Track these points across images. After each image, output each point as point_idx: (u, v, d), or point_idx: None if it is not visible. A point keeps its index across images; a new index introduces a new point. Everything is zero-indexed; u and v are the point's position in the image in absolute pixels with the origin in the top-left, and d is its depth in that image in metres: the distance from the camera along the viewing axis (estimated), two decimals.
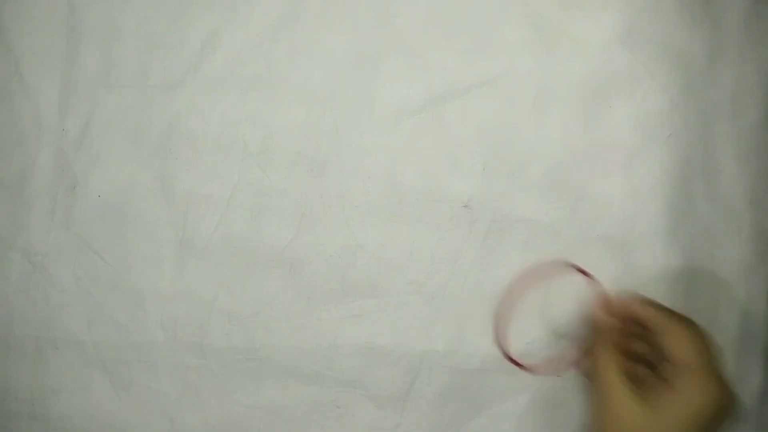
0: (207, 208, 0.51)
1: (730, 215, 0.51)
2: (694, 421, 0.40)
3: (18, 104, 0.51)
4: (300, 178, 0.51)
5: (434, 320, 0.50)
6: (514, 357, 0.49)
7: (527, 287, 0.49)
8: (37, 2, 0.51)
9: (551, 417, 0.47)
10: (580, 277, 0.49)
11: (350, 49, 0.51)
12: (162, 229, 0.51)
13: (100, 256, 0.50)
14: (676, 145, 0.51)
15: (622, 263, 0.50)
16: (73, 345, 0.50)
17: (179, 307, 0.50)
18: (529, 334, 0.50)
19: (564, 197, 0.50)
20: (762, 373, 0.51)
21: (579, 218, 0.50)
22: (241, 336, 0.48)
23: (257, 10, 0.51)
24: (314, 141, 0.50)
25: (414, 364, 0.50)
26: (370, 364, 0.50)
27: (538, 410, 0.50)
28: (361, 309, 0.50)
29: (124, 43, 0.51)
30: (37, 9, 0.51)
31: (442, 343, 0.50)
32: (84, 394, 0.50)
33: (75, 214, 0.50)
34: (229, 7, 0.51)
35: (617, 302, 0.46)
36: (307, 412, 0.49)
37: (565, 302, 0.49)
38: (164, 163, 0.51)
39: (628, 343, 0.46)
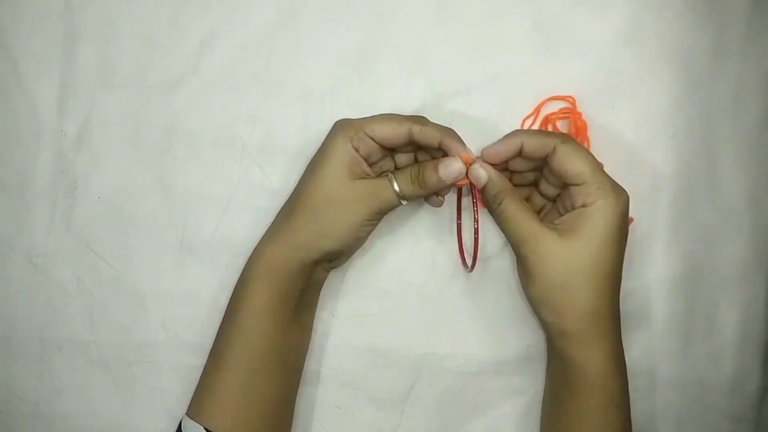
0: (207, 208, 0.51)
1: (730, 215, 0.51)
2: (614, 231, 0.41)
3: (17, 105, 0.50)
4: (299, 177, 0.50)
5: (434, 323, 0.50)
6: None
7: None
8: (35, 3, 0.50)
9: None
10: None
11: (350, 48, 0.50)
12: (162, 230, 0.51)
13: (101, 257, 0.51)
14: (678, 145, 0.50)
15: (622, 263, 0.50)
16: (76, 345, 0.51)
17: (180, 307, 0.51)
18: (532, 338, 0.50)
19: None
20: (762, 373, 0.51)
21: None
22: None
23: (256, 9, 0.50)
24: (314, 140, 0.50)
25: (414, 366, 0.50)
26: (370, 366, 0.50)
27: (537, 412, 0.50)
28: (361, 310, 0.50)
29: (122, 43, 0.50)
30: (34, 9, 0.50)
31: (442, 345, 0.50)
32: (87, 394, 0.51)
33: (75, 215, 0.50)
34: (227, 7, 0.50)
35: (500, 149, 0.45)
36: (307, 412, 0.49)
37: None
38: (164, 163, 0.51)
39: (524, 183, 0.47)
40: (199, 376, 0.48)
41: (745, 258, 0.51)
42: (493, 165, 0.45)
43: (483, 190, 0.45)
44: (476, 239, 0.47)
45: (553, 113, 0.49)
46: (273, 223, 0.46)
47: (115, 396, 0.50)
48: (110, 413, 0.50)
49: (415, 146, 0.46)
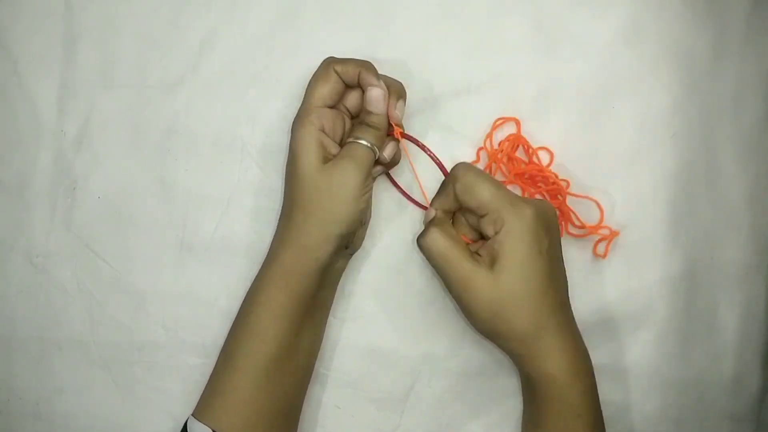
0: (207, 208, 0.51)
1: (731, 215, 0.51)
2: (530, 249, 0.41)
3: (17, 106, 0.50)
4: None
5: (434, 323, 0.50)
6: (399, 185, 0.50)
7: None
8: (35, 3, 0.50)
9: None
10: None
11: (350, 48, 0.50)
12: (162, 230, 0.51)
13: (101, 257, 0.50)
14: (678, 146, 0.50)
15: (623, 263, 0.50)
16: (76, 345, 0.50)
17: (180, 307, 0.51)
18: None
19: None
20: (762, 373, 0.51)
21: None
22: None
23: (255, 9, 0.50)
24: None
25: (414, 366, 0.50)
26: (370, 366, 0.50)
27: None
28: (362, 311, 0.50)
29: (122, 43, 0.50)
30: (34, 9, 0.50)
31: (442, 345, 0.50)
32: (87, 394, 0.50)
33: (75, 216, 0.50)
34: (227, 7, 0.50)
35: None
36: (307, 412, 0.49)
37: None
38: (164, 164, 0.51)
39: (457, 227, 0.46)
40: (199, 376, 0.48)
41: (745, 258, 0.51)
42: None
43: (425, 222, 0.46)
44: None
45: (502, 141, 0.50)
46: (278, 228, 0.46)
47: (115, 396, 0.50)
48: (110, 413, 0.50)
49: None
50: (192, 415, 0.44)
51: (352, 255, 0.48)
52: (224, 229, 0.51)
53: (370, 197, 0.46)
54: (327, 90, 0.45)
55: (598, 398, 0.44)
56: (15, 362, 0.50)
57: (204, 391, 0.45)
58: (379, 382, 0.50)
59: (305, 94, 0.45)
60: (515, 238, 0.41)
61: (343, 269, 0.48)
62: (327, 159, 0.44)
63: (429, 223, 0.44)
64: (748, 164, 0.51)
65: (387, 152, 0.47)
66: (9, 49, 0.50)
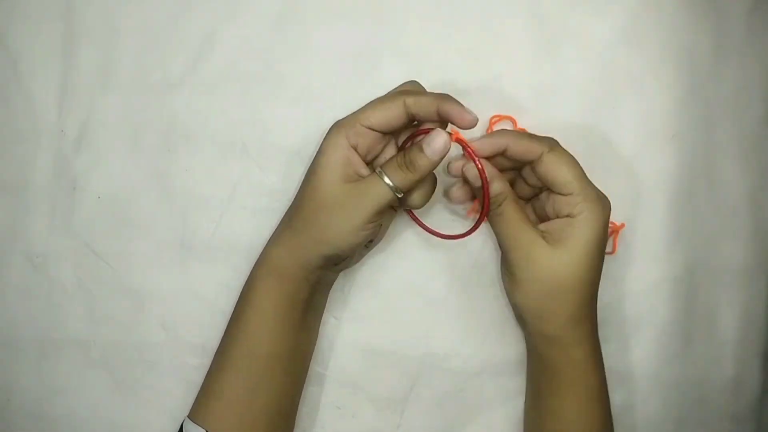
0: (207, 208, 0.51)
1: (731, 215, 0.51)
2: (599, 242, 0.42)
3: (16, 106, 0.50)
4: (299, 177, 0.50)
5: (434, 323, 0.50)
6: (423, 223, 0.48)
7: None
8: (35, 3, 0.50)
9: None
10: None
11: (349, 48, 0.50)
12: (162, 230, 0.51)
13: (101, 257, 0.50)
14: (679, 146, 0.50)
15: (623, 263, 0.50)
16: (76, 345, 0.50)
17: (180, 307, 0.51)
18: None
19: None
20: (762, 373, 0.51)
21: None
22: None
23: (255, 9, 0.50)
24: (313, 140, 0.50)
25: (414, 366, 0.50)
26: (370, 366, 0.50)
27: None
28: (361, 311, 0.50)
29: (122, 43, 0.50)
30: (34, 9, 0.50)
31: (442, 346, 0.50)
32: (87, 394, 0.50)
33: (75, 216, 0.50)
34: (227, 7, 0.50)
35: (484, 145, 0.43)
36: (307, 412, 0.49)
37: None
38: (164, 164, 0.51)
39: (516, 188, 0.46)
40: (199, 376, 0.48)
41: (745, 258, 0.51)
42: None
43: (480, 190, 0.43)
44: (485, 188, 0.42)
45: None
46: (278, 225, 0.46)
47: (115, 396, 0.50)
48: (110, 413, 0.50)
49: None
50: (188, 416, 0.44)
51: (341, 270, 0.48)
52: (224, 229, 0.51)
53: (377, 230, 0.44)
54: (381, 115, 0.42)
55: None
56: (15, 362, 0.50)
57: (199, 392, 0.45)
58: (379, 382, 0.50)
59: (361, 107, 0.43)
60: (591, 228, 0.42)
61: (334, 279, 0.48)
62: (350, 178, 0.42)
63: (505, 191, 0.43)
64: (748, 164, 0.51)
65: (416, 200, 0.43)
66: (9, 49, 0.50)
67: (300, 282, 0.44)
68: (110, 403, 0.50)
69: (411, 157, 0.41)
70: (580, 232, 0.42)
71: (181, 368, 0.50)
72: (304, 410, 0.49)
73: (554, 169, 0.42)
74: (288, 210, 0.46)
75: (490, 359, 0.50)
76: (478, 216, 0.44)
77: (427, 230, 0.47)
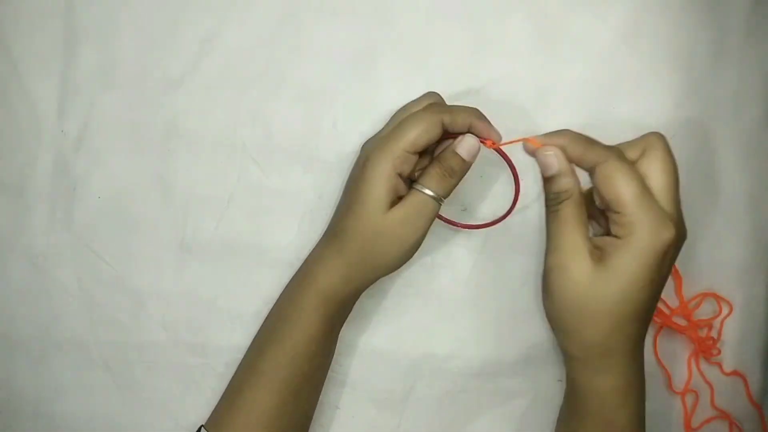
0: (207, 208, 0.51)
1: (731, 215, 0.51)
2: (644, 268, 0.37)
3: (17, 106, 0.50)
4: (299, 177, 0.50)
5: (434, 323, 0.50)
6: (447, 217, 0.48)
7: None
8: (35, 3, 0.50)
9: (551, 421, 0.47)
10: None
11: (350, 49, 0.50)
12: (162, 230, 0.51)
13: (101, 257, 0.50)
14: (678, 146, 0.50)
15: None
16: (76, 345, 0.50)
17: (180, 307, 0.51)
18: (532, 339, 0.50)
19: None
20: (762, 373, 0.51)
21: None
22: (242, 335, 0.49)
23: (256, 9, 0.50)
24: (313, 141, 0.50)
25: (414, 366, 0.50)
26: (370, 366, 0.50)
27: (537, 414, 0.50)
28: (361, 311, 0.50)
29: (122, 43, 0.50)
30: (34, 9, 0.50)
31: (442, 346, 0.50)
32: (87, 394, 0.50)
33: (75, 216, 0.50)
34: (227, 7, 0.50)
35: (545, 141, 0.41)
36: None
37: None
38: (164, 164, 0.51)
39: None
40: (199, 376, 0.49)
41: (745, 258, 0.51)
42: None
43: (547, 180, 0.41)
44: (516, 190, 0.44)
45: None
46: (321, 249, 0.45)
47: (115, 396, 0.50)
48: (110, 413, 0.50)
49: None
50: (204, 426, 0.44)
51: None
52: (224, 229, 0.51)
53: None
54: (424, 139, 0.42)
55: (644, 426, 0.42)
56: (15, 362, 0.50)
57: (221, 404, 0.45)
58: (379, 382, 0.50)
59: (398, 130, 0.42)
60: (636, 254, 0.37)
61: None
62: (395, 202, 0.42)
63: (570, 190, 0.39)
64: (748, 164, 0.51)
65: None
66: (9, 49, 0.50)
67: (349, 306, 0.46)
68: (110, 403, 0.50)
69: (450, 164, 0.43)
70: (623, 256, 0.37)
71: (180, 368, 0.50)
72: None
73: (606, 183, 0.38)
74: (332, 236, 0.45)
75: (490, 359, 0.50)
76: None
77: (447, 222, 0.48)
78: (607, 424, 0.41)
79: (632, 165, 0.39)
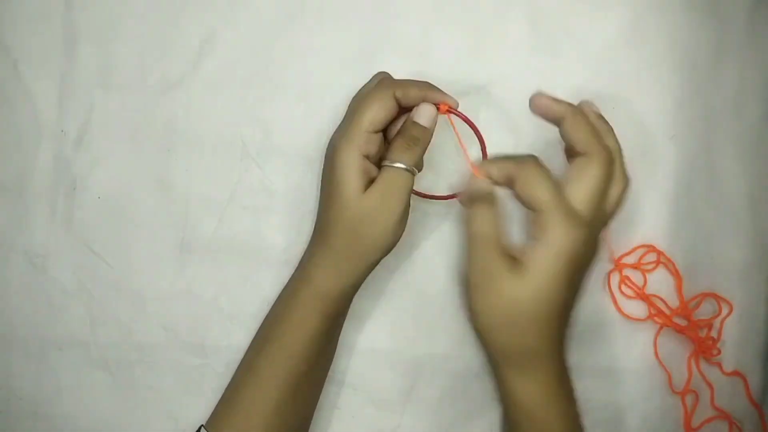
0: (207, 208, 0.51)
1: (731, 215, 0.51)
2: (563, 271, 0.37)
3: (17, 106, 0.50)
4: (299, 177, 0.50)
5: (434, 323, 0.50)
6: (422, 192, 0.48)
7: None
8: (35, 3, 0.50)
9: None
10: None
11: (349, 49, 0.50)
12: (162, 230, 0.51)
13: (101, 257, 0.50)
14: (678, 146, 0.50)
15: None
16: (76, 345, 0.50)
17: (180, 308, 0.51)
18: None
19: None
20: (762, 373, 0.51)
21: None
22: (242, 335, 0.48)
23: (256, 9, 0.50)
24: (314, 141, 0.50)
25: (414, 366, 0.50)
26: (370, 366, 0.50)
27: None
28: (361, 311, 0.50)
29: (122, 43, 0.50)
30: (34, 9, 0.50)
31: (442, 346, 0.50)
32: (87, 394, 0.50)
33: (75, 216, 0.50)
34: (227, 7, 0.50)
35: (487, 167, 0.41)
36: None
37: None
38: (164, 164, 0.51)
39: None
40: (199, 376, 0.49)
41: (745, 258, 0.51)
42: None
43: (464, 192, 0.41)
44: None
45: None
46: (313, 249, 0.45)
47: (115, 396, 0.50)
48: (110, 413, 0.50)
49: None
50: (204, 426, 0.44)
51: None
52: (224, 229, 0.51)
53: (408, 215, 0.45)
54: (381, 116, 0.42)
55: (579, 425, 0.41)
56: (15, 362, 0.50)
57: (221, 404, 0.45)
58: (379, 382, 0.50)
59: (354, 114, 0.43)
60: (548, 255, 0.37)
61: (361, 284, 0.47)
62: (368, 184, 0.43)
63: (482, 197, 0.40)
64: (748, 164, 0.51)
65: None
66: (9, 49, 0.50)
67: (347, 300, 0.45)
68: (110, 403, 0.50)
69: (411, 133, 0.43)
70: (536, 257, 0.37)
71: (180, 368, 0.50)
72: None
73: (524, 185, 0.39)
74: (317, 230, 0.45)
75: None
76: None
77: (425, 196, 0.48)
78: (539, 424, 0.40)
79: (548, 171, 0.39)
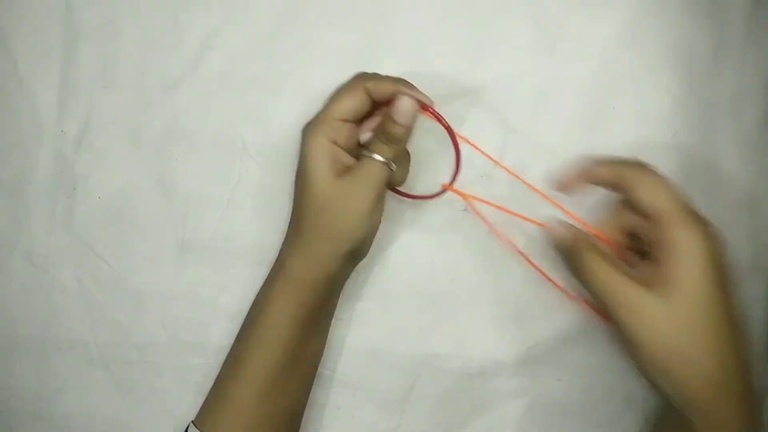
0: (207, 208, 0.51)
1: (731, 215, 0.51)
2: (716, 283, 0.35)
3: (17, 106, 0.50)
4: None
5: (434, 323, 0.50)
6: (407, 193, 0.48)
7: None
8: (35, 3, 0.50)
9: (551, 421, 0.47)
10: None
11: (349, 49, 0.50)
12: (162, 230, 0.51)
13: (101, 257, 0.51)
14: (678, 146, 0.50)
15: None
16: (76, 345, 0.50)
17: (180, 307, 0.51)
18: (533, 339, 0.50)
19: (565, 199, 0.49)
20: (762, 373, 0.51)
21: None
22: None
23: (256, 9, 0.50)
24: None
25: (414, 366, 0.50)
26: (370, 366, 0.50)
27: (537, 414, 0.50)
28: (361, 311, 0.50)
29: (122, 43, 0.50)
30: (34, 9, 0.50)
31: (442, 346, 0.50)
32: (87, 394, 0.51)
33: (75, 216, 0.50)
34: (227, 7, 0.50)
35: (576, 177, 0.41)
36: (307, 412, 0.49)
37: None
38: (164, 164, 0.51)
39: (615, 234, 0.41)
40: (199, 376, 0.48)
41: (745, 258, 0.51)
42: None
43: (553, 246, 0.41)
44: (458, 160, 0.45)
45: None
46: (287, 237, 0.45)
47: (115, 396, 0.50)
48: (110, 413, 0.50)
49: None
50: (193, 422, 0.44)
51: (358, 263, 0.48)
52: (224, 229, 0.51)
53: (382, 211, 0.45)
54: (350, 105, 0.43)
55: None
56: (15, 362, 0.50)
57: (207, 398, 0.45)
58: (379, 382, 0.50)
59: (326, 103, 0.44)
60: (692, 261, 0.35)
61: (348, 276, 0.48)
62: (340, 172, 0.43)
63: (577, 242, 0.39)
64: (748, 164, 0.51)
65: (399, 177, 0.45)
66: (9, 49, 0.50)
67: (320, 289, 0.44)
68: (110, 403, 0.50)
69: (389, 130, 0.43)
70: (681, 270, 0.35)
71: (180, 368, 0.50)
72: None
73: (647, 192, 0.37)
74: (291, 218, 0.45)
75: (490, 359, 0.50)
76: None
77: (410, 197, 0.48)
78: None
79: (654, 173, 0.38)
